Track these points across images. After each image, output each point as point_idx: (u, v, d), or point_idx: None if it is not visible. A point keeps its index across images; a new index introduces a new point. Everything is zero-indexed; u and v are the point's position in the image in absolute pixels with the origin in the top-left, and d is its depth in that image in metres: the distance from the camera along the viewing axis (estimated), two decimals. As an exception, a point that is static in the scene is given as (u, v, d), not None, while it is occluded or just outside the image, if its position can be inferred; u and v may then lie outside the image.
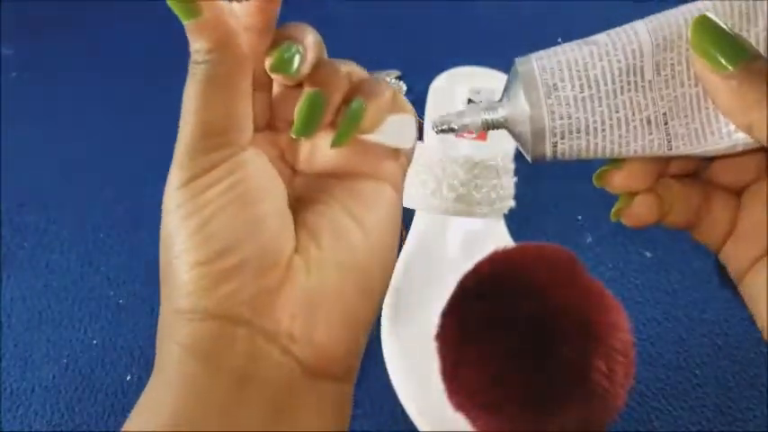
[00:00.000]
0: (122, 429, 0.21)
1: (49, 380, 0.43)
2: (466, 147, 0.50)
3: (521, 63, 0.22)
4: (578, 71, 0.21)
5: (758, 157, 0.23)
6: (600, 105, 0.21)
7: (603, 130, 0.21)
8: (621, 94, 0.21)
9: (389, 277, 0.25)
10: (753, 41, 0.20)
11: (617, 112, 0.21)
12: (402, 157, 0.26)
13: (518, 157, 0.50)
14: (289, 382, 0.22)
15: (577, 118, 0.21)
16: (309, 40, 0.24)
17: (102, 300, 0.47)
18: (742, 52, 0.19)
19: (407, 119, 0.25)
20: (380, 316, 0.42)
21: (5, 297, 0.47)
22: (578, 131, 0.21)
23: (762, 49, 0.20)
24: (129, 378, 0.43)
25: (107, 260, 0.50)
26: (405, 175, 0.27)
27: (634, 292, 0.48)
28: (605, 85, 0.21)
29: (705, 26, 0.20)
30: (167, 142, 0.66)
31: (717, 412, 0.42)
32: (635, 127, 0.21)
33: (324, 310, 0.23)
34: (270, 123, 0.26)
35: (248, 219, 0.22)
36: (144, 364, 0.44)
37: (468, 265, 0.35)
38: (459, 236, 0.47)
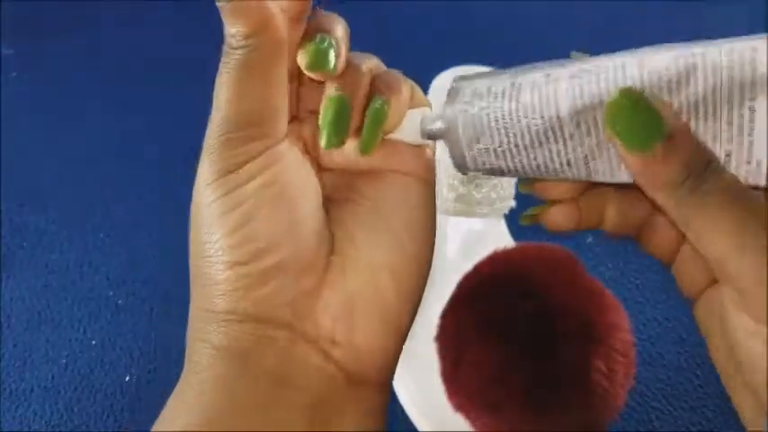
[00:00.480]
0: (152, 430, 0.20)
1: (48, 380, 0.43)
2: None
3: (448, 101, 0.23)
4: (498, 129, 0.21)
5: None
6: (519, 155, 0.22)
7: (524, 171, 0.22)
8: (540, 146, 0.21)
9: (426, 278, 0.24)
10: (682, 105, 0.19)
11: (535, 159, 0.22)
12: (427, 150, 0.25)
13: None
14: (328, 388, 0.21)
15: (498, 164, 0.22)
16: (340, 33, 0.22)
17: (102, 300, 0.47)
18: (656, 134, 0.18)
19: (427, 112, 0.24)
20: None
21: (5, 297, 0.47)
22: (500, 172, 0.23)
23: (688, 114, 0.19)
24: (128, 378, 0.43)
25: (106, 260, 0.50)
26: (433, 167, 0.25)
27: (634, 292, 0.48)
28: (524, 140, 0.21)
29: (620, 107, 0.19)
30: (167, 143, 0.66)
31: (717, 412, 0.42)
32: (554, 168, 0.22)
33: (363, 314, 0.22)
34: (293, 114, 0.24)
35: (287, 217, 0.21)
36: (143, 364, 0.44)
37: (468, 266, 0.35)
38: (460, 236, 0.47)
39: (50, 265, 0.50)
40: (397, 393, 0.40)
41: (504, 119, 0.21)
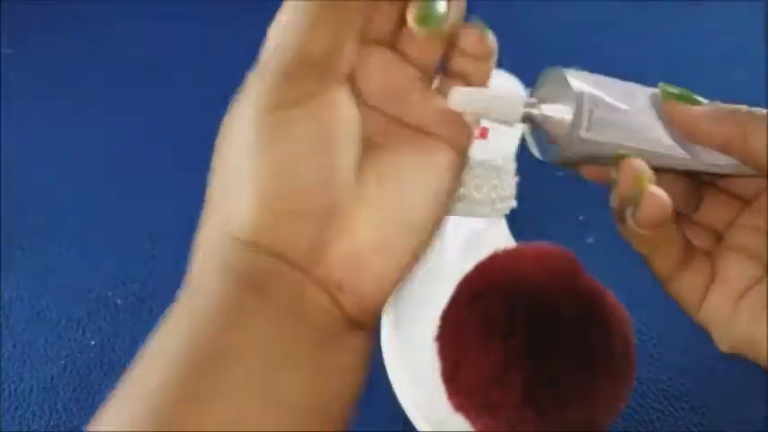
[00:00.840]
0: (144, 350, 0.20)
1: (47, 380, 0.43)
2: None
3: (570, 75, 0.23)
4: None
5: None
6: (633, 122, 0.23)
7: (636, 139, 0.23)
8: (653, 119, 0.24)
9: (435, 239, 0.24)
10: None
11: (650, 131, 0.23)
12: (469, 127, 0.25)
13: (519, 156, 0.50)
14: (333, 329, 0.21)
15: (606, 148, 0.23)
16: None
17: (101, 300, 0.47)
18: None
19: (520, 93, 0.24)
20: (379, 317, 0.42)
21: (4, 297, 0.47)
22: (599, 159, 0.24)
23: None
24: (127, 379, 0.43)
25: (106, 261, 0.50)
26: (470, 145, 0.25)
27: (635, 293, 0.48)
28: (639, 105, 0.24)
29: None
30: (167, 143, 0.66)
31: (718, 414, 0.42)
32: (666, 144, 0.24)
33: (374, 265, 0.22)
34: None
35: (329, 164, 0.21)
36: (143, 364, 0.44)
37: (468, 266, 0.35)
38: (460, 236, 0.47)
39: (49, 265, 0.50)
40: (397, 393, 0.40)
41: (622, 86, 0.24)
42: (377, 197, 0.22)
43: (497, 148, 0.49)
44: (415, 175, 0.23)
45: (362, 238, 0.22)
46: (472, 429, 0.31)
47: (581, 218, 0.53)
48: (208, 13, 0.74)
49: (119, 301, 0.47)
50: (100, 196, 0.54)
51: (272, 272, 0.20)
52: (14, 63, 0.67)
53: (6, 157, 0.58)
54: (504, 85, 0.49)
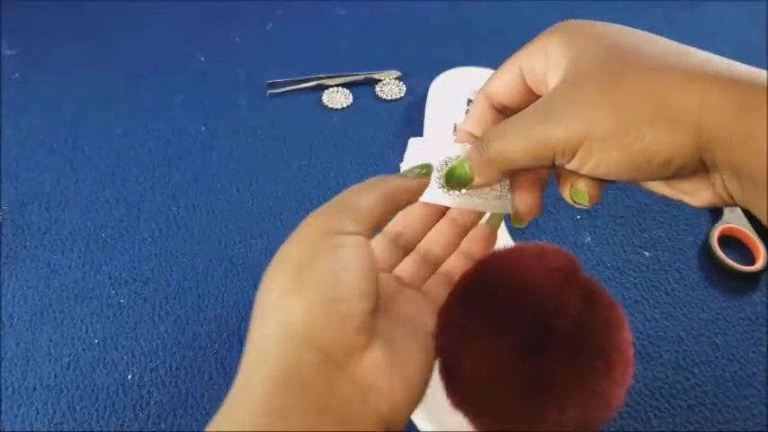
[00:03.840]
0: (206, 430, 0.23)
1: (50, 379, 0.43)
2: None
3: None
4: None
5: None
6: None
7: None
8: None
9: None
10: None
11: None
12: None
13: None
14: (362, 423, 0.23)
15: None
16: None
17: (104, 299, 0.48)
18: None
19: None
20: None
21: (7, 296, 0.48)
22: None
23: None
24: (130, 377, 0.43)
25: (108, 260, 0.50)
26: None
27: (633, 292, 0.49)
28: None
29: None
30: (167, 142, 0.66)
31: (715, 411, 0.42)
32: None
33: (402, 370, 0.25)
34: None
35: (365, 278, 0.25)
36: (145, 363, 0.44)
37: (467, 264, 0.36)
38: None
39: (52, 264, 0.50)
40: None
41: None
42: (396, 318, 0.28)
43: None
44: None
45: (393, 349, 0.25)
46: (472, 429, 0.31)
47: (578, 217, 0.53)
48: (208, 13, 0.75)
49: (122, 300, 0.47)
50: (101, 196, 0.55)
51: (318, 368, 0.23)
52: (16, 64, 0.67)
53: (8, 156, 0.58)
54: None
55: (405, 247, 0.33)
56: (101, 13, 0.75)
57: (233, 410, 0.23)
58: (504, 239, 0.48)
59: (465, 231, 0.34)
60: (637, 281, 0.49)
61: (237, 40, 0.71)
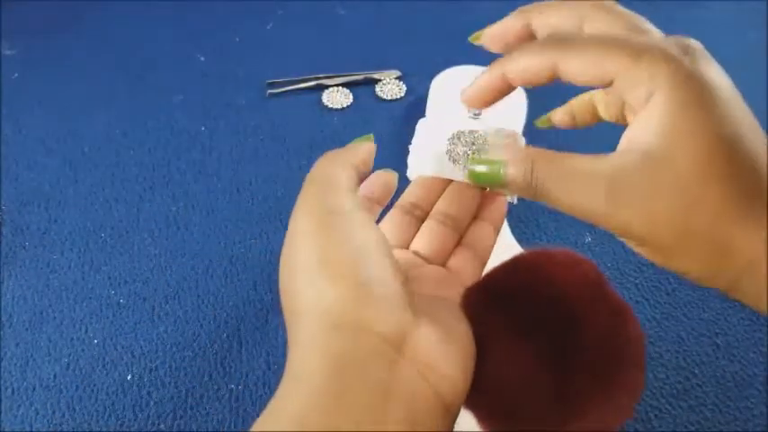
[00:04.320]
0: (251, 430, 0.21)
1: (49, 379, 0.43)
2: (470, 123, 0.49)
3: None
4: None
5: None
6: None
7: None
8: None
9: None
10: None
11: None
12: None
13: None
14: (425, 408, 0.22)
15: None
16: None
17: (103, 299, 0.47)
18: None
19: None
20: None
21: (6, 296, 0.48)
22: None
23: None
24: (129, 377, 0.43)
25: (108, 260, 0.50)
26: None
27: (633, 292, 0.48)
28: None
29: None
30: (167, 142, 0.66)
31: (716, 411, 0.42)
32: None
33: (457, 348, 0.24)
34: None
35: (385, 253, 0.24)
36: (145, 363, 0.44)
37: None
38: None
39: (52, 264, 0.50)
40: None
41: None
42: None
43: (501, 123, 0.49)
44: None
45: (443, 327, 0.24)
46: (479, 428, 0.31)
47: (580, 217, 0.53)
48: (208, 13, 0.75)
49: (121, 300, 0.47)
50: (100, 196, 0.55)
51: (372, 348, 0.22)
52: (16, 64, 0.67)
53: (8, 156, 0.58)
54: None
55: (421, 218, 0.32)
56: (101, 13, 0.75)
57: (283, 405, 0.22)
58: (506, 237, 0.48)
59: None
60: (637, 281, 0.49)
61: (237, 40, 0.71)
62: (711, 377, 0.43)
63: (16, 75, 0.66)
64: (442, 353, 0.23)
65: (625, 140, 0.25)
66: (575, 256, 0.31)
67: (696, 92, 0.23)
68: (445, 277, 0.30)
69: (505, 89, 0.28)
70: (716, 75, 0.24)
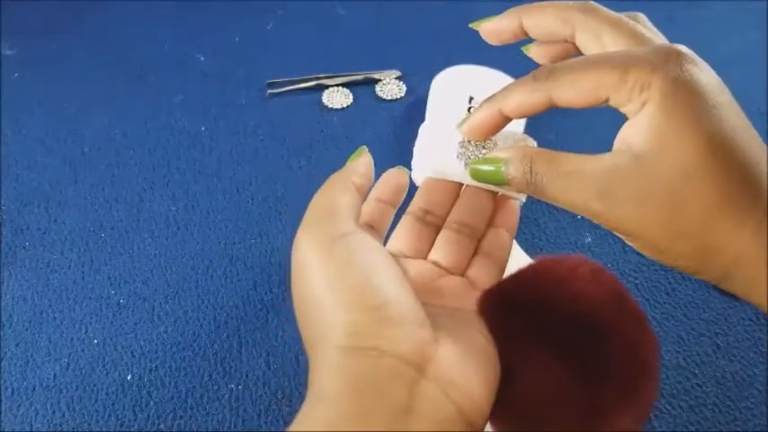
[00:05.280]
0: None
1: (49, 379, 0.43)
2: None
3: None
4: None
5: None
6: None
7: None
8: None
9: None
10: None
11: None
12: None
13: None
14: (449, 424, 0.22)
15: None
16: None
17: (103, 299, 0.47)
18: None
19: None
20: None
21: (6, 296, 0.48)
22: None
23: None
24: (129, 377, 0.43)
25: (108, 260, 0.50)
26: None
27: (633, 292, 0.48)
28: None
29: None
30: (167, 142, 0.66)
31: (716, 411, 0.42)
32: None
33: (477, 364, 0.24)
34: None
35: (393, 274, 0.25)
36: (145, 363, 0.44)
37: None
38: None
39: (52, 264, 0.50)
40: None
41: None
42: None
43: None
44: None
45: (461, 344, 0.24)
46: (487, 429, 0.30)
47: (579, 217, 0.53)
48: (208, 13, 0.75)
49: (121, 301, 0.47)
50: (101, 196, 0.55)
51: (391, 371, 0.22)
52: (16, 64, 0.67)
53: (8, 156, 0.58)
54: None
55: (435, 225, 0.32)
56: (101, 14, 0.75)
57: (305, 424, 0.22)
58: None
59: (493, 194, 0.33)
60: (637, 281, 0.49)
61: (237, 40, 0.71)
62: (711, 377, 0.43)
63: (16, 75, 0.66)
64: (463, 369, 0.24)
65: (619, 140, 0.26)
66: (596, 267, 0.30)
67: (682, 97, 0.24)
68: (465, 288, 0.30)
69: (503, 122, 0.29)
70: (704, 78, 0.25)
